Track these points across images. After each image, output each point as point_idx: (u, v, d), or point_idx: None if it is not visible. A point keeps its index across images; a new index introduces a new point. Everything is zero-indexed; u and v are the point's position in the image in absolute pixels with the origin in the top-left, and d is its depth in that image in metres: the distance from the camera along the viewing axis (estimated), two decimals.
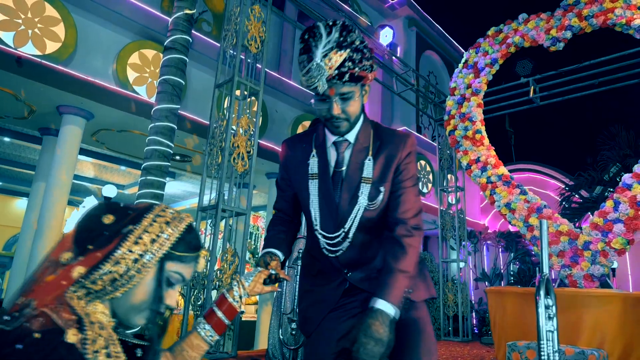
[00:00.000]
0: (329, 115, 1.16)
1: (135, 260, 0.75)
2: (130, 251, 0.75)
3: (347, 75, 1.09)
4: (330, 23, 1.10)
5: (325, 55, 1.07)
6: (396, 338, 1.18)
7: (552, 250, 4.32)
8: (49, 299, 0.67)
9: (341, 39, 1.07)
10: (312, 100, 1.17)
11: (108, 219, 0.77)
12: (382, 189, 1.21)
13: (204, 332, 0.98)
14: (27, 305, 0.66)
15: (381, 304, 1.07)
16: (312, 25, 1.12)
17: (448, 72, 11.92)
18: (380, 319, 1.04)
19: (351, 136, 1.24)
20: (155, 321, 0.80)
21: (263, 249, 1.29)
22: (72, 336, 0.64)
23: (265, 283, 1.12)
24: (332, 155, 1.26)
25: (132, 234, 0.76)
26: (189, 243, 0.82)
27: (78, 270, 0.72)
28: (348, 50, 1.07)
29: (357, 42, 1.09)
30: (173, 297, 0.83)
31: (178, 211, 0.85)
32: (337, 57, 1.07)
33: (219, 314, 1.01)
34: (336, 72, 1.08)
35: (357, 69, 1.09)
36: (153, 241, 0.77)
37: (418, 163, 10.14)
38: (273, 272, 1.14)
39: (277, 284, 1.15)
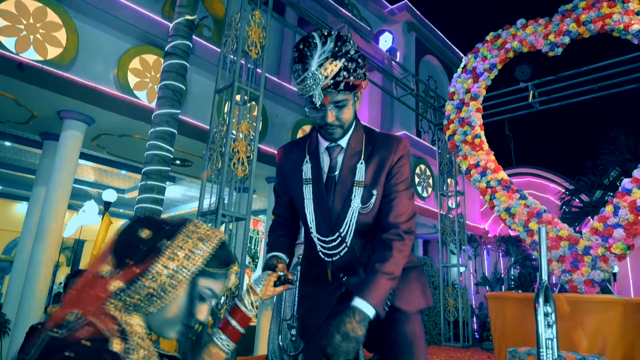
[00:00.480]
0: (323, 123, 1.18)
1: (170, 276, 0.77)
2: (166, 267, 0.77)
3: (342, 85, 1.11)
4: (325, 33, 1.12)
5: (320, 65, 1.08)
6: (387, 354, 1.19)
7: (552, 255, 4.31)
8: (91, 309, 0.69)
9: (336, 49, 1.09)
10: (306, 109, 1.19)
11: (145, 233, 0.79)
12: (374, 192, 1.23)
13: (220, 342, 1.00)
14: (71, 315, 0.68)
15: (359, 303, 1.09)
16: (307, 35, 1.14)
17: (447, 76, 11.95)
18: (357, 317, 1.05)
19: (344, 141, 1.26)
20: (188, 335, 0.81)
21: (267, 253, 1.32)
22: (116, 345, 0.66)
23: (275, 285, 1.15)
24: (326, 161, 1.28)
25: (167, 250, 0.78)
26: (220, 259, 0.84)
27: (116, 284, 0.74)
28: (343, 60, 1.09)
29: (352, 52, 1.11)
30: (204, 312, 0.84)
31: (211, 227, 0.87)
32: (333, 67, 1.09)
33: (233, 323, 1.04)
34: (332, 81, 1.09)
35: (352, 78, 1.11)
36: (187, 257, 0.79)
37: (418, 167, 10.14)
38: (281, 273, 1.17)
39: (286, 285, 1.18)
